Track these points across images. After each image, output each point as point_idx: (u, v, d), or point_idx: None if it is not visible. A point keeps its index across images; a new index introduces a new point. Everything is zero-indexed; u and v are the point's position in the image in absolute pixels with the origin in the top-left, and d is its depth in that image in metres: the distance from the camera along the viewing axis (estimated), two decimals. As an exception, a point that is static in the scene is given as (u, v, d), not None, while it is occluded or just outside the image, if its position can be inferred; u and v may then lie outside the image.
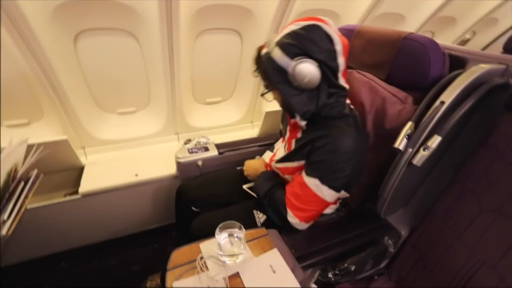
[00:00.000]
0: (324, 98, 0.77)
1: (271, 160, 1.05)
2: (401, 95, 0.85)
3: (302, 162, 0.86)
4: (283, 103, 0.86)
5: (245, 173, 1.12)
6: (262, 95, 0.85)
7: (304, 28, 0.72)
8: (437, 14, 1.96)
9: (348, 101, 0.87)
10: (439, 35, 2.41)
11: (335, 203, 0.97)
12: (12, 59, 1.08)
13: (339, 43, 0.73)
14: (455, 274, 0.76)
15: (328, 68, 0.73)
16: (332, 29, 0.73)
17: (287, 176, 0.94)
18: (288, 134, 0.98)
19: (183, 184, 1.20)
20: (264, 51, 0.78)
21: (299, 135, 0.89)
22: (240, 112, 1.78)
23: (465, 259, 0.75)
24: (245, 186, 1.10)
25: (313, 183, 0.81)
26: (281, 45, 0.73)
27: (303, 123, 0.82)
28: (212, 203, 1.16)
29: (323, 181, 0.79)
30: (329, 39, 0.72)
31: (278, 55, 0.73)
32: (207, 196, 1.15)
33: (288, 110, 0.89)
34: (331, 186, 0.80)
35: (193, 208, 1.15)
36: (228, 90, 1.72)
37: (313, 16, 0.75)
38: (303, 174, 0.84)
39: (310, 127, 0.85)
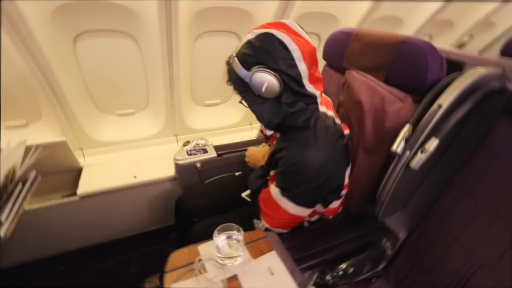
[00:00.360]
0: (285, 107, 0.74)
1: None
2: (400, 94, 0.85)
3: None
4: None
5: (246, 159, 1.12)
6: (240, 102, 0.82)
7: (257, 37, 0.70)
8: (435, 17, 1.97)
9: (322, 109, 0.82)
10: (437, 38, 2.43)
11: (312, 215, 0.94)
12: (11, 60, 1.08)
13: (296, 50, 0.68)
14: (453, 276, 0.77)
15: (287, 76, 0.69)
16: (289, 35, 0.69)
17: None
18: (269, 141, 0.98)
19: (183, 196, 1.20)
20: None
21: (274, 142, 0.88)
22: (239, 114, 1.79)
23: (463, 261, 0.75)
24: (243, 194, 1.09)
25: (274, 192, 0.81)
26: (239, 55, 0.72)
27: (269, 133, 0.81)
28: (211, 211, 1.15)
29: (283, 193, 0.79)
30: (283, 46, 0.68)
31: (237, 66, 0.72)
32: (206, 205, 1.14)
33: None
34: (292, 200, 0.78)
35: (193, 219, 1.15)
36: (227, 92, 1.72)
37: (274, 22, 0.73)
38: (273, 182, 0.84)
39: (281, 136, 0.83)
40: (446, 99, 0.68)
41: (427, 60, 0.78)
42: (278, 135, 0.84)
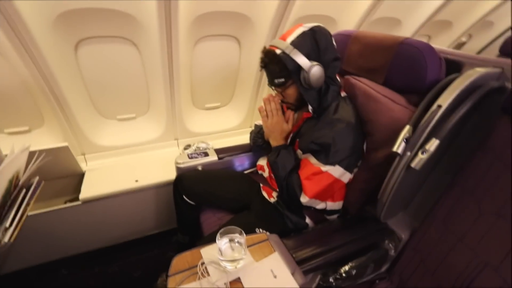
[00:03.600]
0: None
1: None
2: (393, 96, 0.86)
3: None
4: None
5: (269, 125, 1.03)
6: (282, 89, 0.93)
7: (313, 29, 0.86)
8: (433, 18, 1.98)
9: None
10: (435, 39, 2.43)
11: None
12: (14, 67, 1.09)
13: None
14: (457, 277, 0.76)
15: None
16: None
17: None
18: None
19: (181, 176, 1.20)
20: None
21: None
22: (239, 117, 1.79)
23: (467, 262, 0.75)
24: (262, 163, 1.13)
25: (315, 162, 0.95)
26: (296, 45, 0.86)
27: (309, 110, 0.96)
28: (208, 200, 1.17)
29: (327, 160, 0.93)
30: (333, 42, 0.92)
31: (297, 55, 0.85)
32: (204, 192, 1.16)
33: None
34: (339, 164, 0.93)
35: (185, 197, 1.16)
36: (227, 95, 1.73)
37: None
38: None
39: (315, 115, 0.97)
40: (445, 100, 0.68)
41: (425, 61, 0.79)
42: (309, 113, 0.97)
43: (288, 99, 0.97)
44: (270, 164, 1.00)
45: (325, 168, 0.88)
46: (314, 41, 0.84)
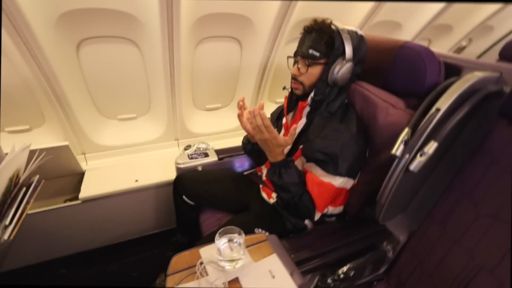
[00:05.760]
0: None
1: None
2: (392, 100, 0.86)
3: None
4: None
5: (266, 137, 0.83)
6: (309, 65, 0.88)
7: (356, 32, 0.87)
8: (433, 22, 1.99)
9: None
10: (436, 43, 2.44)
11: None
12: (16, 66, 1.10)
13: None
14: (453, 279, 0.77)
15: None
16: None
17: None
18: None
19: (181, 176, 1.21)
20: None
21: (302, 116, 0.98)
22: (240, 118, 1.80)
23: (463, 264, 0.75)
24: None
25: (320, 173, 0.92)
26: (350, 33, 0.86)
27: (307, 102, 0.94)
28: (208, 201, 1.17)
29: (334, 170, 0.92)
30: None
31: (347, 40, 0.85)
32: (204, 192, 1.16)
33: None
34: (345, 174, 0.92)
35: (185, 197, 1.16)
36: (227, 96, 1.74)
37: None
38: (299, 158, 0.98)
39: (320, 117, 0.94)
40: (444, 103, 0.69)
41: (425, 65, 0.79)
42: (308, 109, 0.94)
43: (304, 79, 0.90)
44: (271, 183, 0.93)
45: (337, 182, 0.86)
46: (358, 45, 0.85)
